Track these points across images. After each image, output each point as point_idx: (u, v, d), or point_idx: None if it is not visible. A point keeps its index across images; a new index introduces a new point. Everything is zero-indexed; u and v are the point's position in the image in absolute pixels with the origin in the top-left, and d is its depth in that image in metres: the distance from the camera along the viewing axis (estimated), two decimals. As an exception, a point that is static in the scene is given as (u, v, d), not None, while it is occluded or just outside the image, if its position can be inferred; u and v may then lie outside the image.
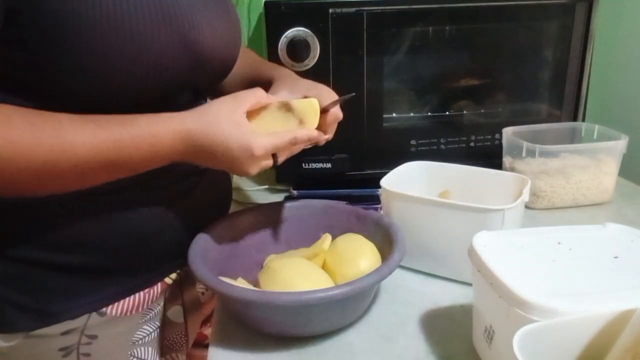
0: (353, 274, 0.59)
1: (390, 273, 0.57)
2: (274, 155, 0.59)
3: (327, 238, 0.67)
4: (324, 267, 0.65)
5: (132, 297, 0.63)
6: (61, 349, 0.59)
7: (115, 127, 0.52)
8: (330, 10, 0.87)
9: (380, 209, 0.74)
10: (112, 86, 0.53)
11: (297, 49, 0.87)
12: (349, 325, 0.60)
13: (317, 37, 0.87)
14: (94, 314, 0.60)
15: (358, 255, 0.63)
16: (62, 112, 0.52)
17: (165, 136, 0.54)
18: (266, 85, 0.68)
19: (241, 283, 0.62)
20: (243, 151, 0.56)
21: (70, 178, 0.52)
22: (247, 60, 0.78)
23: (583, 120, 1.01)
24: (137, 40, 0.52)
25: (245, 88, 0.63)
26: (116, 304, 0.62)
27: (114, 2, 0.50)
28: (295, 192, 0.93)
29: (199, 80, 0.63)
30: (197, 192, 0.67)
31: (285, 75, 0.71)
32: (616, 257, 0.50)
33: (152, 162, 0.55)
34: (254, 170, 0.58)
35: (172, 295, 0.69)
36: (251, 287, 0.60)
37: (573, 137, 0.97)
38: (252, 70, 0.77)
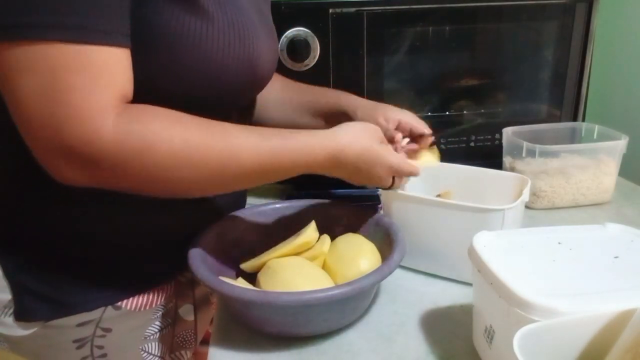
0: (353, 274, 0.59)
1: (390, 273, 0.57)
2: (393, 178, 0.66)
3: (326, 240, 0.67)
4: (324, 267, 0.65)
5: (147, 292, 0.65)
6: (76, 341, 0.61)
7: (276, 140, 0.56)
8: (330, 10, 0.87)
9: (380, 209, 0.74)
10: (174, 93, 0.55)
11: (297, 49, 0.87)
12: (349, 325, 0.61)
13: (317, 37, 0.87)
14: (109, 307, 0.62)
15: (358, 255, 0.63)
16: None
17: (320, 154, 0.58)
18: (333, 113, 0.77)
19: (241, 283, 0.62)
20: (385, 169, 0.63)
21: (232, 181, 0.55)
22: (293, 85, 0.82)
23: (583, 120, 1.01)
24: (215, 62, 0.55)
25: (307, 114, 0.78)
26: (131, 298, 0.64)
27: (202, 25, 0.53)
28: (295, 192, 0.93)
29: (246, 96, 0.68)
30: (215, 197, 0.69)
31: (363, 105, 0.77)
32: (616, 257, 0.50)
33: (301, 171, 0.59)
34: (384, 182, 0.65)
35: (184, 293, 0.71)
36: (251, 287, 0.60)
37: (573, 137, 0.97)
38: (309, 96, 0.81)
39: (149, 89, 0.52)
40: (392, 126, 0.74)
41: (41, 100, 0.45)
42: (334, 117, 0.76)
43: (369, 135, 0.62)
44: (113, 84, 0.47)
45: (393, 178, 0.65)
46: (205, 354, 0.75)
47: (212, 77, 0.56)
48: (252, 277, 0.64)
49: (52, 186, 0.51)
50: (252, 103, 0.79)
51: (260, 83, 0.66)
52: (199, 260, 0.59)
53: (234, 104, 0.67)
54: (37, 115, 0.45)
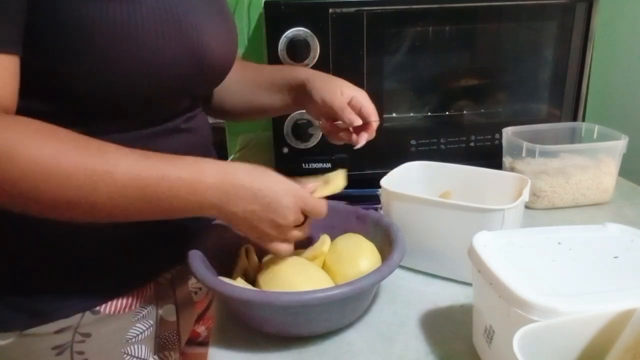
0: (353, 274, 0.59)
1: (390, 273, 0.57)
2: (305, 217, 0.59)
3: (326, 240, 0.67)
4: (324, 267, 0.65)
5: (125, 295, 0.64)
6: (54, 348, 0.60)
7: (160, 159, 0.51)
8: (330, 10, 0.87)
9: (380, 209, 0.74)
10: (117, 89, 0.53)
11: (297, 49, 0.87)
12: (349, 325, 0.60)
13: (317, 37, 0.87)
14: (87, 313, 0.61)
15: (358, 255, 0.63)
16: (64, 112, 0.53)
17: (209, 171, 0.52)
18: (292, 86, 0.74)
19: (241, 283, 0.62)
20: (286, 192, 0.55)
21: (102, 207, 0.49)
22: (253, 67, 0.80)
23: (583, 120, 1.01)
24: (148, 49, 0.53)
25: (265, 92, 0.73)
26: (109, 302, 0.62)
27: (127, 10, 0.51)
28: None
29: (199, 86, 0.64)
30: None
31: (316, 77, 0.73)
32: (616, 257, 0.50)
33: (189, 202, 0.52)
34: (292, 217, 0.56)
35: (165, 294, 0.70)
36: (251, 287, 0.60)
37: (573, 137, 0.97)
38: (267, 74, 0.79)
39: (90, 84, 0.51)
40: (345, 100, 0.70)
41: None
42: (292, 91, 0.75)
43: (262, 167, 0.57)
44: None
45: (305, 219, 0.59)
46: (193, 355, 0.75)
47: (150, 65, 0.54)
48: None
49: None
50: (209, 92, 0.77)
51: (211, 73, 0.63)
52: (198, 260, 0.59)
53: (186, 94, 0.64)
54: None
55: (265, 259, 0.68)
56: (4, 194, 0.47)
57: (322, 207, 0.60)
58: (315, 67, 0.89)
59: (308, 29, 0.87)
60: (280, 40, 0.86)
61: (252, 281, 0.65)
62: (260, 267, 0.66)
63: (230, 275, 0.65)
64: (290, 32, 0.86)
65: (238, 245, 0.68)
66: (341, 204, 0.73)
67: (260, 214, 0.55)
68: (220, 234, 0.66)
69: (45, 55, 0.50)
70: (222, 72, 0.67)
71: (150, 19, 0.53)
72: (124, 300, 0.63)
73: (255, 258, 0.68)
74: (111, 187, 0.48)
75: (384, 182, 0.73)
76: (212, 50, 0.60)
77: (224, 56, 0.64)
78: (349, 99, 0.70)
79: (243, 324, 0.61)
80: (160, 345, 0.70)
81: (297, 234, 0.59)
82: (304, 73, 0.74)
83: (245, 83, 0.78)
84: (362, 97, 0.71)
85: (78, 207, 0.49)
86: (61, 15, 0.49)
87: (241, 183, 0.53)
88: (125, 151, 0.50)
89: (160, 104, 0.59)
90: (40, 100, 0.53)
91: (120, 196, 0.49)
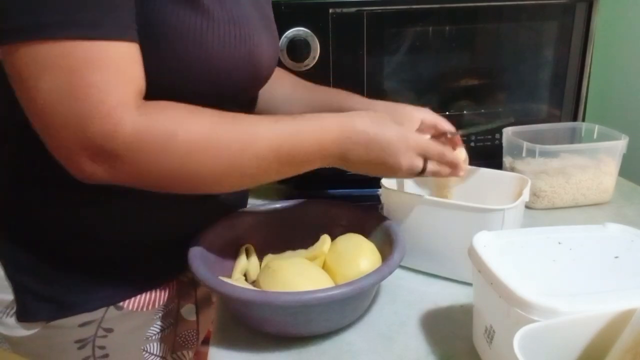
0: (353, 274, 0.59)
1: (390, 273, 0.57)
2: (425, 161, 0.62)
3: (326, 240, 0.67)
4: (324, 267, 0.65)
5: (148, 292, 0.65)
6: (77, 341, 0.61)
7: (288, 120, 0.56)
8: (330, 10, 0.87)
9: (381, 209, 0.74)
10: (175, 90, 0.55)
11: (297, 49, 0.87)
12: (349, 325, 0.61)
13: (317, 37, 0.87)
14: (111, 308, 0.62)
15: (358, 255, 0.63)
16: None
17: (332, 126, 0.57)
18: None
19: (241, 283, 0.62)
20: (399, 139, 0.59)
21: (248, 173, 0.55)
22: (304, 85, 0.81)
23: (583, 120, 1.01)
24: (215, 57, 0.55)
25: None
26: (133, 298, 0.64)
27: (202, 19, 0.53)
28: (295, 192, 0.93)
29: (247, 91, 0.67)
30: (217, 195, 0.69)
31: (381, 109, 0.72)
32: (616, 257, 0.50)
33: (315, 155, 0.57)
34: (406, 161, 0.60)
35: (186, 293, 0.71)
36: (251, 287, 0.60)
37: (573, 137, 0.97)
38: (321, 97, 0.79)
39: (150, 85, 0.52)
40: (415, 126, 0.70)
41: (61, 98, 0.45)
42: None
43: (380, 114, 0.61)
44: (130, 78, 0.48)
45: (425, 162, 0.62)
46: (205, 354, 0.75)
47: (212, 72, 0.56)
48: (252, 277, 0.64)
49: (53, 186, 0.51)
50: (253, 100, 0.79)
51: (260, 79, 0.66)
52: (199, 260, 0.59)
53: (235, 100, 0.67)
54: (58, 113, 0.45)
55: (266, 259, 0.68)
56: (161, 175, 0.50)
57: (443, 150, 0.63)
58: (315, 67, 0.88)
59: (308, 29, 0.87)
60: (281, 41, 0.86)
61: (252, 281, 0.65)
62: (260, 267, 0.66)
63: (230, 275, 0.65)
64: (290, 32, 0.86)
65: (238, 245, 0.68)
66: (341, 204, 0.73)
67: (376, 160, 0.59)
68: (220, 234, 0.67)
69: None
70: (267, 78, 0.69)
71: (220, 29, 0.55)
72: (147, 297, 0.65)
73: (255, 258, 0.68)
74: (255, 153, 0.53)
75: (384, 182, 0.73)
76: (263, 56, 0.62)
77: (271, 63, 0.67)
78: (419, 123, 0.71)
79: (243, 324, 0.61)
80: (179, 343, 0.71)
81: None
82: (360, 105, 0.74)
83: (295, 101, 0.79)
84: (430, 115, 0.71)
85: (231, 176, 0.54)
86: (142, 21, 0.50)
87: (358, 132, 0.58)
88: (257, 118, 0.55)
89: (209, 104, 0.61)
90: None
91: (263, 159, 0.54)
